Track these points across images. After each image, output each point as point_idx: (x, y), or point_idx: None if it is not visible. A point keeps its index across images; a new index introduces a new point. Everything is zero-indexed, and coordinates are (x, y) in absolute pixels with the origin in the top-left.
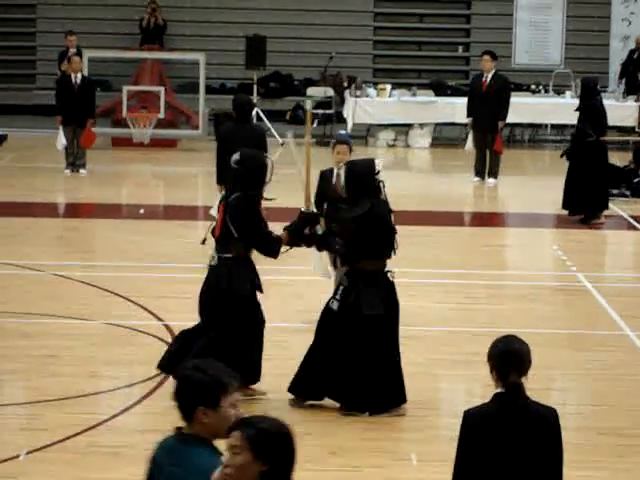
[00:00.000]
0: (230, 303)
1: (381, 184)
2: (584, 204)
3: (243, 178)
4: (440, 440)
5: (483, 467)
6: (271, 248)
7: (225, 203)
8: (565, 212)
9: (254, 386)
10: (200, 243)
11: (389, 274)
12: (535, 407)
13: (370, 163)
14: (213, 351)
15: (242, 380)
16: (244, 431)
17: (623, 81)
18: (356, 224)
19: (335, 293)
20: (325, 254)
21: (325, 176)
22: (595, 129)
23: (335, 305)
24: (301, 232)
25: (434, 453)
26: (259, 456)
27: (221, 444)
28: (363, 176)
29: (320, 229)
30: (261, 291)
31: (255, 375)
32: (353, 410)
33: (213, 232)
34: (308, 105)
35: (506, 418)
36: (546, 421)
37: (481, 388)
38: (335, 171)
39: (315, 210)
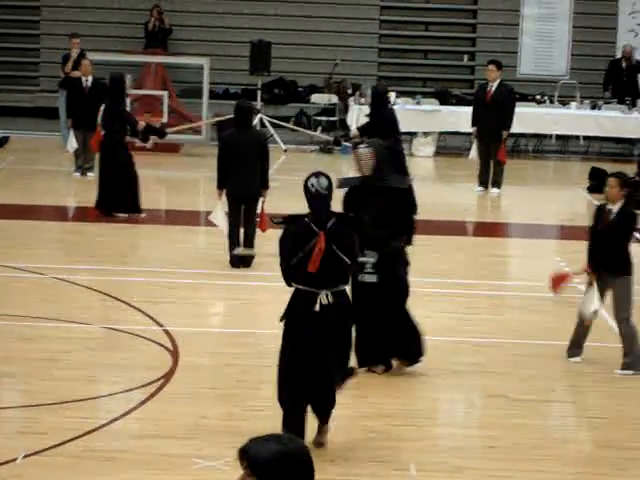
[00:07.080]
0: None
1: None
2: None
3: None
4: (439, 450)
5: None
6: None
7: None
8: None
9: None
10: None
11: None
12: None
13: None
14: None
15: None
16: (246, 458)
17: (610, 90)
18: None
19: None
20: None
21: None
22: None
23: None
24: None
25: (433, 463)
26: None
27: None
28: None
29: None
30: None
31: None
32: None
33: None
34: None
35: None
36: None
37: (481, 399)
38: None
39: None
